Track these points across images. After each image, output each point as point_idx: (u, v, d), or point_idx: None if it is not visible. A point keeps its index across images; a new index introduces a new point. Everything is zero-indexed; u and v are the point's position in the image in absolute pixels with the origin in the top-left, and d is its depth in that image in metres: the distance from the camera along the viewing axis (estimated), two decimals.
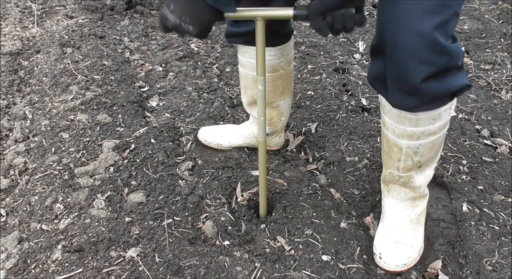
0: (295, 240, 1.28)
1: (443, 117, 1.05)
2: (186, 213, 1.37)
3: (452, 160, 1.64)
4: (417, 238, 1.27)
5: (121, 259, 1.21)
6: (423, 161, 1.15)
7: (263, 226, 1.34)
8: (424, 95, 0.97)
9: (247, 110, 1.58)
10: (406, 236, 1.26)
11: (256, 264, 1.20)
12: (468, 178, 1.56)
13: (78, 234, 1.28)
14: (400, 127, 1.08)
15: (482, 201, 1.47)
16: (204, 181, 1.49)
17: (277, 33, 1.28)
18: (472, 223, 1.38)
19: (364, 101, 2.00)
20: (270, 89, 1.42)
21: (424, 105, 1.00)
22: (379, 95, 1.11)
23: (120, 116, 1.82)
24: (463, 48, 2.47)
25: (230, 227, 1.33)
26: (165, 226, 1.32)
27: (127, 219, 1.33)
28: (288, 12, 0.94)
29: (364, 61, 2.44)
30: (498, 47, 2.47)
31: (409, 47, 0.89)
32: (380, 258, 1.23)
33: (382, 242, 1.26)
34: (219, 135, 1.66)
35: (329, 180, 1.54)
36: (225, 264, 1.19)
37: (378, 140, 1.73)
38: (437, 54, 0.90)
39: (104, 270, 1.18)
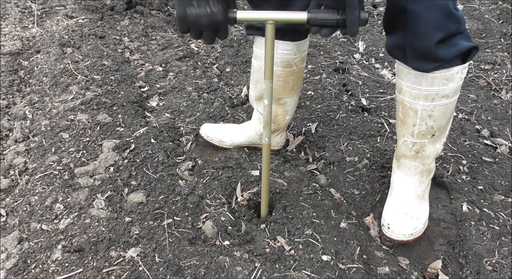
0: (295, 240, 1.28)
1: (455, 79, 1.16)
2: (186, 213, 1.37)
3: (452, 160, 1.64)
4: (422, 212, 1.34)
5: (121, 259, 1.21)
6: (435, 127, 1.25)
7: (263, 226, 1.34)
8: (439, 57, 1.09)
9: (253, 105, 1.58)
10: (413, 209, 1.33)
11: (256, 264, 1.20)
12: (468, 178, 1.56)
13: (78, 234, 1.28)
14: (416, 88, 1.18)
15: (482, 201, 1.47)
16: (204, 181, 1.49)
17: (297, 28, 1.29)
18: (472, 223, 1.38)
19: (364, 101, 2.00)
20: (280, 85, 1.43)
21: (439, 66, 1.12)
22: (396, 62, 1.22)
23: (120, 116, 1.82)
24: None
25: (230, 227, 1.33)
26: (165, 226, 1.32)
27: (127, 219, 1.33)
28: (301, 16, 0.91)
29: (364, 61, 2.44)
30: (498, 47, 2.47)
31: (430, 17, 1.03)
32: (388, 228, 1.30)
33: (390, 213, 1.33)
34: (221, 132, 1.66)
35: (329, 180, 1.54)
36: (225, 264, 1.19)
37: (378, 140, 1.73)
38: (450, 21, 1.05)
39: (104, 270, 1.18)
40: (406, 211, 1.32)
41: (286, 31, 1.28)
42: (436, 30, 1.05)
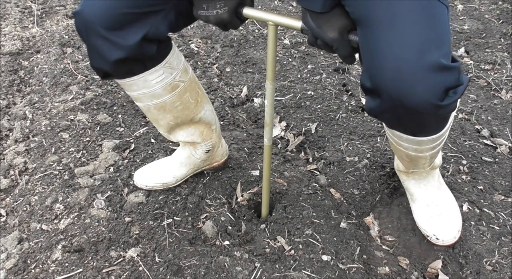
0: (295, 240, 1.28)
1: (451, 120, 1.10)
2: (186, 213, 1.37)
3: (452, 160, 1.64)
4: (450, 201, 1.36)
5: (121, 259, 1.21)
6: (440, 150, 1.19)
7: (263, 226, 1.34)
8: (441, 118, 0.96)
9: (170, 139, 1.36)
10: (443, 205, 1.34)
11: (256, 264, 1.20)
12: (468, 178, 1.56)
13: (78, 234, 1.28)
14: (422, 147, 1.06)
15: (482, 201, 1.47)
16: (204, 181, 1.49)
17: (148, 55, 1.02)
18: (472, 223, 1.38)
19: (364, 101, 2.00)
20: (182, 108, 1.21)
21: (443, 123, 1.00)
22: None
23: (120, 116, 1.82)
24: (462, 49, 2.47)
25: (230, 227, 1.33)
26: (165, 226, 1.32)
27: (127, 219, 1.33)
28: (296, 23, 0.91)
29: None
30: (498, 47, 2.47)
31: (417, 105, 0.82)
32: (437, 238, 1.29)
33: (428, 222, 1.31)
34: (158, 174, 1.43)
35: (329, 180, 1.54)
36: (225, 264, 1.19)
37: (378, 140, 1.73)
38: (447, 92, 0.84)
39: (104, 270, 1.18)
40: (439, 212, 1.32)
41: (138, 65, 1.04)
42: (434, 106, 0.85)
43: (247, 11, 0.95)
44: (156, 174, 1.43)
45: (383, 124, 1.07)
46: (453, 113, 1.08)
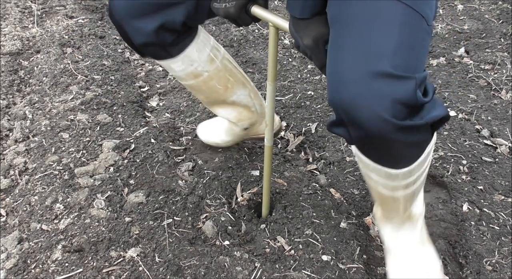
0: (295, 240, 1.28)
1: (431, 151, 0.93)
2: (186, 213, 1.37)
3: (452, 160, 1.64)
4: (433, 262, 1.13)
5: (121, 259, 1.21)
6: (418, 190, 1.02)
7: (263, 226, 1.34)
8: (409, 145, 0.84)
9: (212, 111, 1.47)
10: (423, 265, 1.12)
11: (256, 264, 1.20)
12: (468, 178, 1.56)
13: (78, 234, 1.28)
14: (393, 183, 0.94)
15: (482, 201, 1.47)
16: (204, 181, 1.49)
17: (166, 43, 1.11)
18: (472, 223, 1.38)
19: None
20: (210, 91, 1.31)
21: (414, 153, 0.87)
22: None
23: (120, 116, 1.82)
24: (462, 49, 2.47)
25: (230, 227, 1.33)
26: (165, 226, 1.32)
27: (127, 219, 1.33)
28: (285, 25, 0.92)
29: None
30: (498, 47, 2.47)
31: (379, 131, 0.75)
32: None
33: None
34: (213, 133, 1.59)
35: (329, 180, 1.54)
36: (225, 264, 1.19)
37: None
38: (413, 114, 0.77)
39: (104, 270, 1.18)
40: (416, 273, 1.11)
41: (157, 50, 1.12)
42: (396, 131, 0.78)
43: (255, 9, 0.95)
44: (211, 132, 1.59)
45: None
46: (430, 148, 0.90)
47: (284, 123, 1.82)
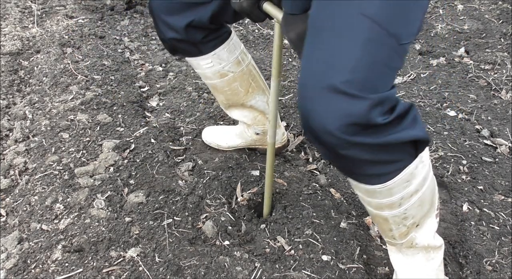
0: (295, 240, 1.28)
1: (418, 173, 0.88)
2: (186, 213, 1.37)
3: (452, 160, 1.64)
4: None
5: (121, 259, 1.21)
6: (418, 220, 0.98)
7: (263, 226, 1.34)
8: (376, 163, 0.82)
9: (227, 113, 1.54)
10: None
11: (256, 264, 1.20)
12: (468, 178, 1.56)
13: (78, 234, 1.28)
14: (374, 200, 0.92)
15: (482, 201, 1.47)
16: (204, 181, 1.49)
17: (195, 40, 1.19)
18: (472, 223, 1.38)
19: None
20: (231, 93, 1.39)
21: (384, 170, 0.84)
22: None
23: (120, 116, 1.82)
24: (462, 49, 2.47)
25: (230, 227, 1.33)
26: (165, 226, 1.32)
27: (127, 219, 1.33)
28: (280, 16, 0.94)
29: None
30: (498, 47, 2.47)
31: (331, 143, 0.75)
32: None
33: None
34: (219, 136, 1.65)
35: (329, 180, 1.54)
36: (225, 264, 1.19)
37: None
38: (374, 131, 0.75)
39: (104, 270, 1.18)
40: None
41: (191, 46, 1.22)
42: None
43: (266, 5, 0.97)
44: (216, 135, 1.65)
45: None
46: (412, 169, 0.85)
47: (284, 123, 1.82)
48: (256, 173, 1.54)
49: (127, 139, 1.68)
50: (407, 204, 0.92)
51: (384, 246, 1.32)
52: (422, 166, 0.88)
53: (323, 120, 0.73)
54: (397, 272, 1.12)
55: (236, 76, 1.35)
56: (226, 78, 1.34)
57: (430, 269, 1.06)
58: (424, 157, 0.89)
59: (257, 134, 1.56)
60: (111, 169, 1.52)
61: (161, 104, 1.99)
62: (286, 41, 2.55)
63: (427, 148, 0.89)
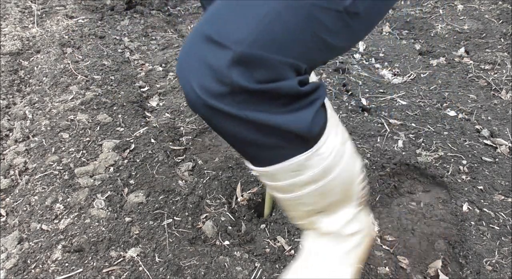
0: (295, 240, 1.28)
1: (314, 165, 0.74)
2: (186, 213, 1.37)
3: (452, 160, 1.64)
4: None
5: (121, 259, 1.21)
6: (321, 208, 0.86)
7: (263, 226, 1.34)
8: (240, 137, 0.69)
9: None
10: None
11: (256, 264, 1.19)
12: (468, 178, 1.56)
13: (78, 234, 1.28)
14: (261, 178, 0.82)
15: (482, 201, 1.47)
16: (204, 181, 1.49)
17: None
18: (472, 223, 1.38)
19: (364, 101, 2.00)
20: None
21: (270, 160, 0.73)
22: None
23: (120, 116, 1.82)
24: (462, 49, 2.47)
25: (230, 227, 1.33)
26: (165, 226, 1.32)
27: (127, 219, 1.33)
28: None
29: (364, 61, 2.44)
30: (498, 47, 2.47)
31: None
32: None
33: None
34: None
35: None
36: (225, 264, 1.19)
37: (378, 140, 1.73)
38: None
39: (104, 270, 1.18)
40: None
41: None
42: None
43: None
44: None
45: None
46: (299, 161, 0.72)
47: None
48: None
49: (127, 139, 1.68)
50: (301, 192, 0.80)
51: (384, 246, 1.32)
52: (319, 159, 0.74)
53: (188, 73, 0.62)
54: (302, 250, 1.01)
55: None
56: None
57: (334, 255, 0.95)
58: (324, 150, 0.74)
59: None
60: (111, 169, 1.52)
61: (161, 104, 1.99)
62: None
63: (333, 139, 0.75)
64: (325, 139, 0.73)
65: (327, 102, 0.76)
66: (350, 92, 2.07)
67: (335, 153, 0.77)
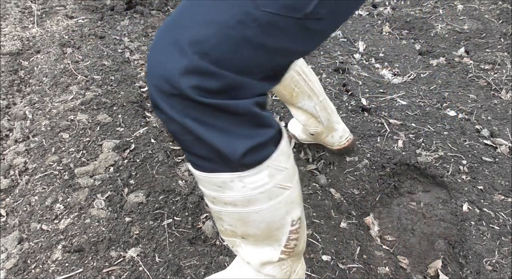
0: None
1: (234, 188, 0.74)
2: (186, 213, 1.37)
3: (452, 160, 1.64)
4: None
5: (121, 259, 1.21)
6: (241, 233, 0.86)
7: None
8: (187, 136, 0.69)
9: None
10: None
11: None
12: (468, 178, 1.56)
13: (78, 234, 1.28)
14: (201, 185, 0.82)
15: (482, 201, 1.47)
16: None
17: None
18: (472, 223, 1.38)
19: (364, 101, 2.00)
20: (277, 92, 1.45)
21: (197, 166, 0.74)
22: None
23: (120, 116, 1.81)
24: (462, 49, 2.47)
25: None
26: (165, 226, 1.32)
27: (127, 219, 1.33)
28: None
29: (364, 61, 2.44)
30: (498, 47, 2.47)
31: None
32: None
33: None
34: (298, 129, 1.67)
35: (329, 180, 1.54)
36: (225, 264, 1.19)
37: (378, 140, 1.73)
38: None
39: (104, 270, 1.18)
40: None
41: None
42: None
43: None
44: (297, 127, 1.71)
45: None
46: (217, 178, 0.73)
47: (283, 123, 1.82)
48: None
49: (127, 139, 1.68)
50: (222, 208, 0.81)
51: (384, 246, 1.32)
52: (242, 187, 0.74)
53: (152, 68, 0.64)
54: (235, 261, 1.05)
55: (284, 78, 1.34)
56: None
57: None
58: (250, 181, 0.73)
59: (312, 134, 1.59)
60: (111, 169, 1.52)
61: None
62: None
63: (265, 178, 0.74)
64: (255, 173, 0.72)
65: (285, 147, 0.75)
66: (350, 92, 2.07)
67: (263, 190, 0.76)
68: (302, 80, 1.42)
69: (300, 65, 1.40)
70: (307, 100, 1.47)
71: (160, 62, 0.63)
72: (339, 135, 1.59)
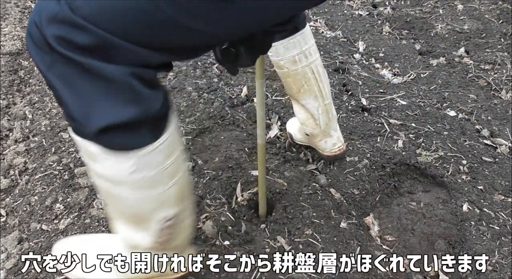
0: (295, 240, 1.28)
1: (99, 161, 0.69)
2: None
3: (452, 160, 1.64)
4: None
5: None
6: (113, 211, 0.86)
7: (263, 226, 1.34)
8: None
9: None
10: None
11: None
12: (468, 178, 1.56)
13: (78, 234, 1.28)
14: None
15: (482, 201, 1.47)
16: (204, 181, 1.49)
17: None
18: (472, 223, 1.38)
19: (364, 101, 2.00)
20: (286, 84, 1.47)
21: (69, 122, 0.67)
22: None
23: None
24: (462, 49, 2.47)
25: (230, 227, 1.33)
26: None
27: None
28: None
29: (364, 61, 2.44)
30: (498, 47, 2.47)
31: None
32: None
33: None
34: (296, 128, 1.68)
35: (329, 180, 1.54)
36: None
37: (378, 140, 1.73)
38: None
39: None
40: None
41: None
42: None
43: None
44: (294, 126, 1.71)
45: None
46: (108, 164, 0.69)
47: (279, 123, 1.82)
48: (256, 173, 1.54)
49: None
50: (95, 179, 0.77)
51: (384, 246, 1.32)
52: (110, 166, 0.68)
53: (33, 13, 0.59)
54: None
55: (290, 73, 1.39)
56: (281, 70, 1.40)
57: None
58: (115, 162, 0.68)
59: (307, 135, 1.59)
60: None
61: None
62: None
63: (129, 169, 0.68)
64: (119, 157, 0.66)
65: (168, 142, 0.70)
66: (350, 92, 2.07)
67: (127, 180, 0.70)
68: (313, 79, 1.43)
69: (316, 64, 1.41)
70: (312, 100, 1.47)
71: (40, 7, 0.57)
72: (333, 142, 1.57)
